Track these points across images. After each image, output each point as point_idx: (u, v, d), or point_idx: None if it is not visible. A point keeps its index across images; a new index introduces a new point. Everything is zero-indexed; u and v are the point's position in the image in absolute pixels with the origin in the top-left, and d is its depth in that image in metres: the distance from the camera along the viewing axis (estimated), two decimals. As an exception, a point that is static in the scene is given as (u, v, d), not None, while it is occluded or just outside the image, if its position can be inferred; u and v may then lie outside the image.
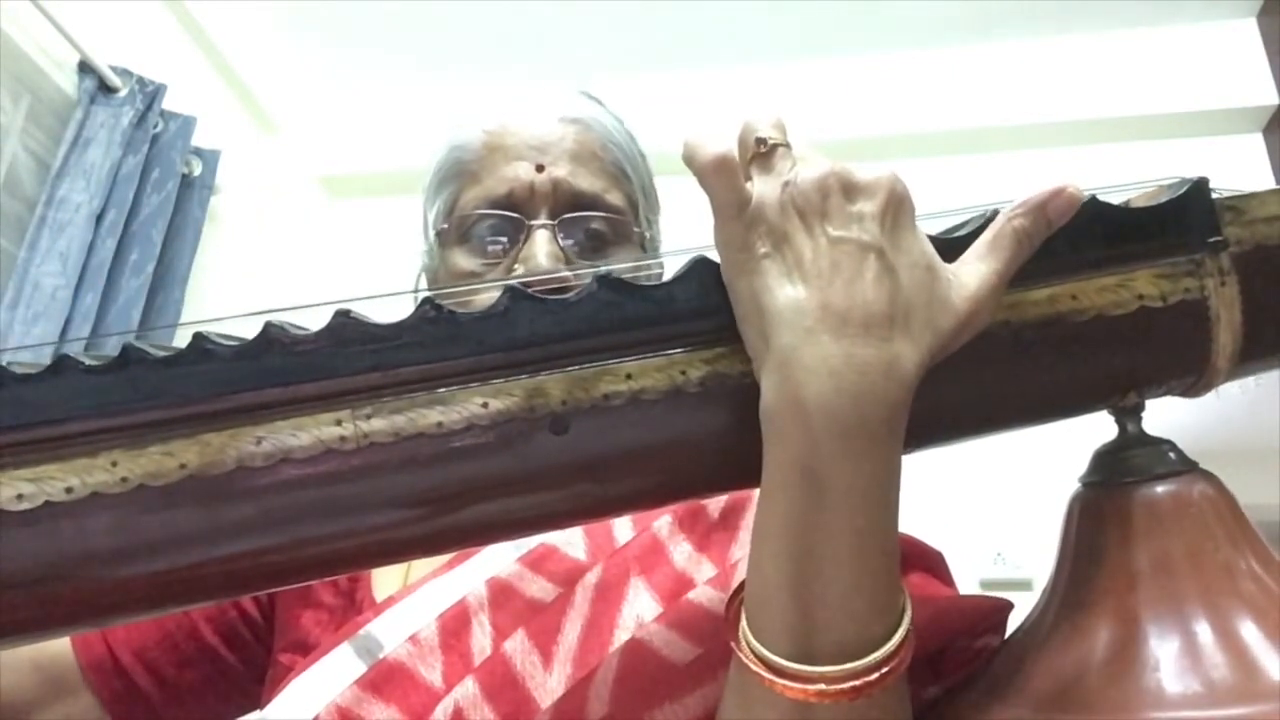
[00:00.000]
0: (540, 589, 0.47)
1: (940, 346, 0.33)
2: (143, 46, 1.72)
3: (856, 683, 0.31)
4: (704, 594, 0.43)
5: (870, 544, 0.31)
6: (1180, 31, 1.94)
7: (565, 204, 0.55)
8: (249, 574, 0.34)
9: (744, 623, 0.33)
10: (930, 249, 0.34)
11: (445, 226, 0.58)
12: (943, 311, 0.32)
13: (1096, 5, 1.91)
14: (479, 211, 0.56)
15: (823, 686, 0.31)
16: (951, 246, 0.36)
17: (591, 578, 0.46)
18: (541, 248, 0.54)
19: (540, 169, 0.55)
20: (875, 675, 0.31)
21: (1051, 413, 0.38)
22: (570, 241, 0.55)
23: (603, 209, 0.56)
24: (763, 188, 0.33)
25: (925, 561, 0.45)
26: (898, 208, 0.33)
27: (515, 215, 0.55)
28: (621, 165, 0.58)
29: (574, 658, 0.43)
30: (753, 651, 0.32)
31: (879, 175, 0.33)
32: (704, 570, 0.47)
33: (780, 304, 0.32)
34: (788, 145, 0.34)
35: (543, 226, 0.54)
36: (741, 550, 0.47)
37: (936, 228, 0.37)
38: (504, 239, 0.56)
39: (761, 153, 0.34)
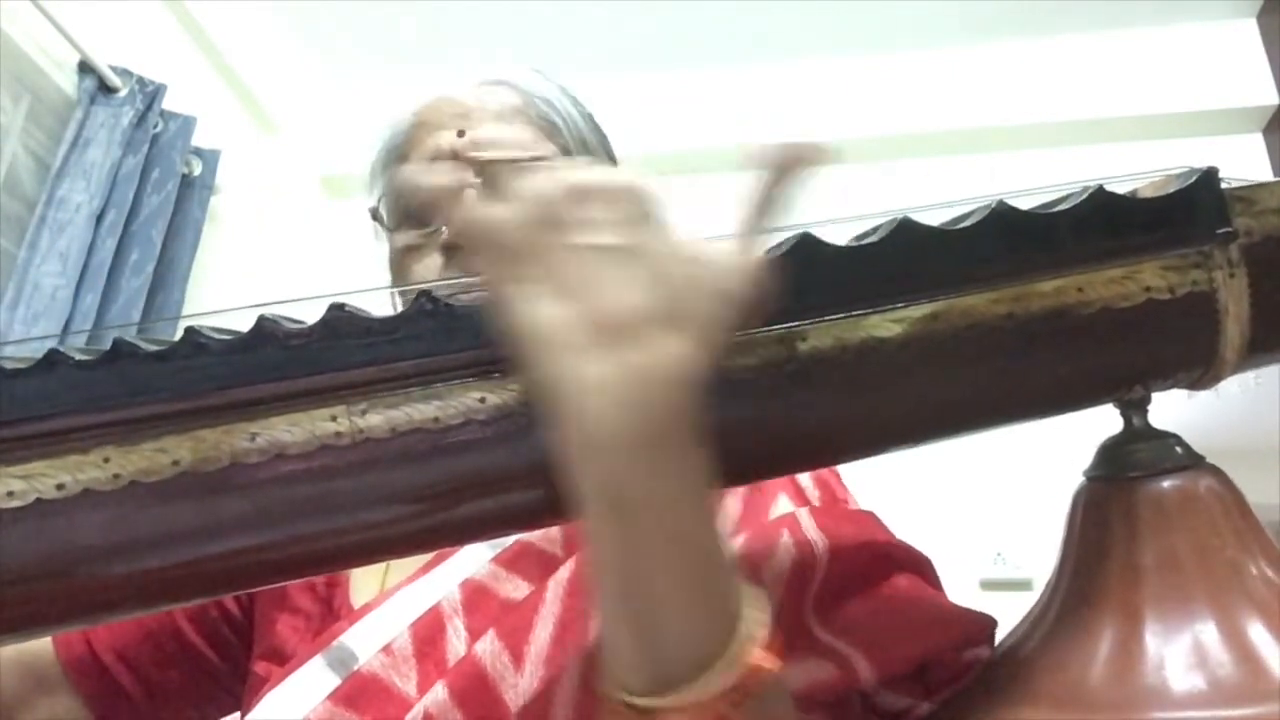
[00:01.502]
0: (515, 588, 0.46)
1: (719, 334, 0.32)
2: (143, 46, 1.71)
3: (721, 695, 0.30)
4: None
5: (694, 553, 0.30)
6: (1180, 31, 1.94)
7: (490, 161, 0.54)
8: (243, 571, 0.33)
9: (606, 673, 0.32)
10: (696, 243, 0.32)
11: (381, 208, 0.58)
12: (715, 300, 0.31)
13: (1096, 5, 1.91)
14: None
15: (692, 712, 0.30)
16: (955, 240, 0.36)
17: (563, 573, 0.45)
18: (466, 207, 0.53)
19: (461, 134, 0.55)
20: (738, 680, 0.30)
21: (1057, 406, 0.37)
22: (490, 194, 0.55)
23: (528, 158, 0.55)
24: (517, 210, 0.32)
25: (913, 565, 0.45)
26: (645, 205, 0.32)
27: None
28: (550, 118, 0.57)
29: (546, 657, 0.42)
30: (619, 701, 0.31)
31: (618, 176, 0.32)
32: None
33: (546, 325, 0.30)
34: (539, 159, 0.33)
35: (468, 186, 0.54)
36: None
37: (937, 220, 0.36)
38: (433, 207, 0.55)
39: (512, 170, 0.33)
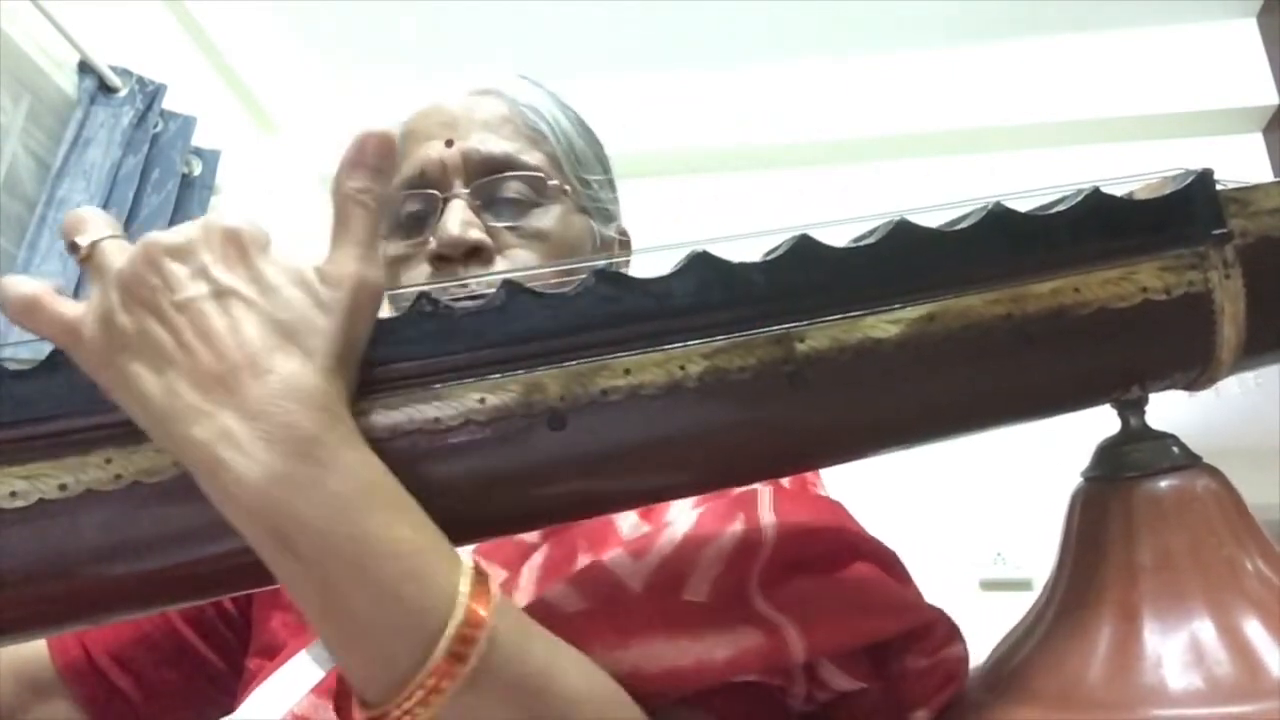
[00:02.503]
0: (493, 575, 0.46)
1: (341, 341, 0.32)
2: (143, 46, 1.71)
3: (436, 674, 0.30)
4: (614, 554, 0.42)
5: (370, 557, 0.30)
6: (1180, 31, 1.94)
7: (478, 172, 0.55)
8: (244, 571, 0.33)
9: (354, 695, 0.32)
10: (292, 262, 0.33)
11: None
12: (325, 310, 0.32)
13: (1096, 5, 1.91)
14: (398, 194, 0.56)
15: (420, 695, 0.30)
16: (952, 241, 0.36)
17: (538, 558, 0.46)
18: (453, 216, 0.53)
19: (449, 144, 0.56)
20: (451, 657, 0.30)
21: (1054, 407, 0.38)
22: (482, 205, 0.55)
23: (517, 168, 0.56)
24: (96, 295, 0.32)
25: (876, 556, 0.44)
26: (234, 243, 0.32)
27: (429, 191, 0.55)
28: (537, 126, 0.58)
29: None
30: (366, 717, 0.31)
31: (196, 224, 0.33)
32: (642, 533, 0.46)
33: (157, 399, 0.30)
34: (112, 237, 0.33)
35: (455, 196, 0.54)
36: (675, 512, 0.47)
37: (935, 221, 0.37)
38: (421, 218, 0.56)
39: (82, 259, 0.33)
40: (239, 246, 0.32)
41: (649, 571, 0.41)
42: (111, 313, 0.31)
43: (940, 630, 0.42)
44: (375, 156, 0.35)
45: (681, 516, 0.44)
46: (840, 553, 0.43)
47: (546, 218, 0.56)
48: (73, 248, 0.33)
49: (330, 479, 0.30)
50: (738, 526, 0.43)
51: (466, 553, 0.47)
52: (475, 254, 0.53)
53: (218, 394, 0.30)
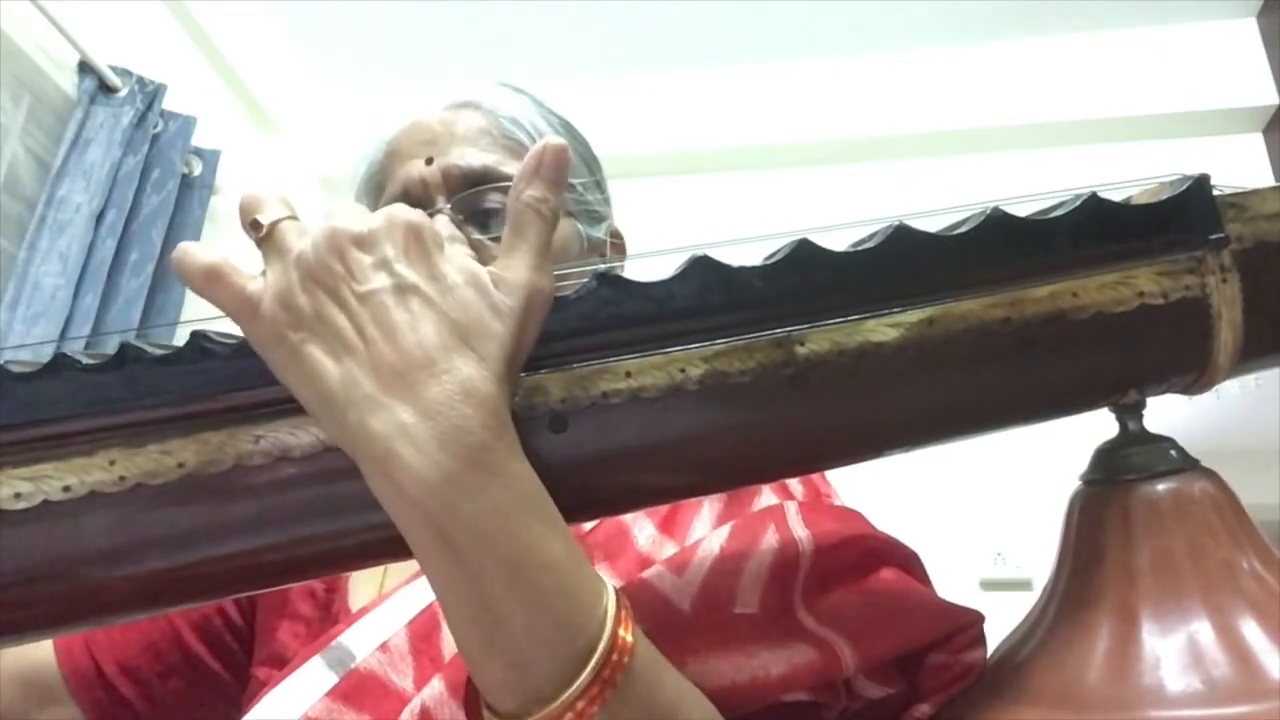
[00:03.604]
0: None
1: (512, 346, 0.32)
2: (143, 46, 1.72)
3: (586, 698, 0.30)
4: (655, 571, 0.42)
5: (528, 567, 0.30)
6: (1180, 31, 1.94)
7: (459, 186, 0.56)
8: (248, 573, 0.33)
9: (482, 702, 0.32)
10: (467, 262, 0.33)
11: None
12: (498, 316, 0.32)
13: (1096, 5, 1.91)
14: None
15: (570, 717, 0.30)
16: (951, 245, 0.36)
17: None
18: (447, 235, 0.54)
19: (429, 161, 0.56)
20: (600, 681, 0.30)
21: (1052, 410, 0.38)
22: (465, 218, 0.55)
23: (496, 179, 0.56)
24: (274, 274, 0.32)
25: (899, 559, 0.45)
26: (415, 238, 0.32)
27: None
28: (514, 135, 0.58)
29: None
30: None
31: (382, 215, 0.33)
32: (666, 551, 0.46)
33: (333, 385, 0.30)
34: (290, 218, 0.33)
35: (438, 213, 0.55)
36: (703, 528, 0.47)
37: (934, 225, 0.37)
38: None
39: (262, 237, 0.33)
40: (420, 242, 0.32)
41: (695, 589, 0.41)
42: (291, 293, 0.31)
43: (970, 633, 0.43)
44: (552, 167, 0.35)
45: (711, 533, 0.44)
46: (868, 561, 0.44)
47: None
48: (254, 225, 0.33)
49: (496, 486, 0.30)
50: (773, 541, 0.43)
51: None
52: None
53: (396, 388, 0.30)
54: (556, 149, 0.35)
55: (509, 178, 0.56)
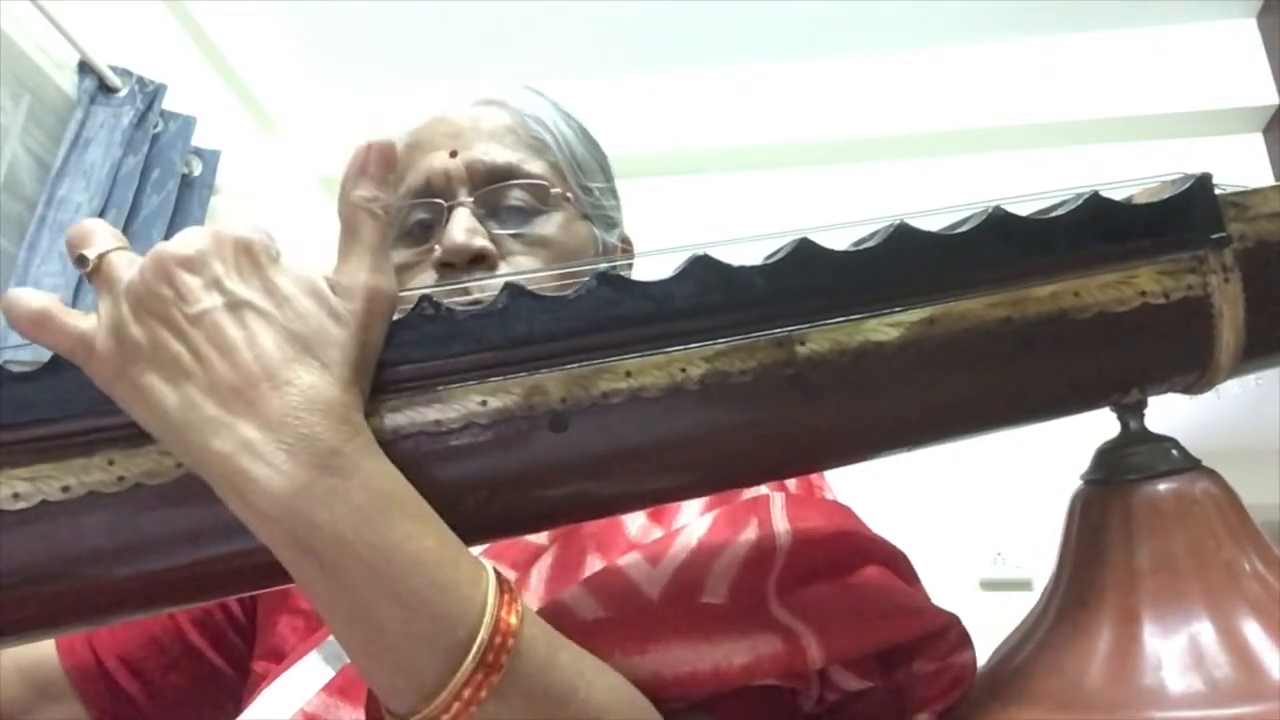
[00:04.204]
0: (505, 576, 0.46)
1: (356, 352, 0.32)
2: (143, 46, 1.72)
3: (471, 685, 0.30)
4: (630, 559, 0.42)
5: (394, 567, 0.30)
6: (1180, 31, 1.94)
7: (482, 181, 0.56)
8: (246, 573, 0.33)
9: (381, 706, 0.32)
10: (304, 272, 0.33)
11: None
12: (339, 321, 0.32)
13: (1096, 5, 1.91)
14: (404, 203, 0.57)
15: (457, 708, 0.30)
16: (952, 245, 0.36)
17: (548, 559, 0.46)
18: (458, 224, 0.54)
19: (454, 154, 0.56)
20: (484, 667, 0.30)
21: (1054, 410, 0.38)
22: (486, 213, 0.56)
23: (520, 177, 0.56)
24: (105, 308, 0.32)
25: (884, 557, 0.45)
26: (246, 253, 0.32)
27: (434, 200, 0.56)
28: (540, 135, 0.59)
29: None
30: None
31: (209, 233, 0.32)
32: (653, 537, 0.46)
33: (173, 412, 0.30)
34: (119, 249, 0.33)
35: (460, 205, 0.55)
36: (686, 516, 0.47)
37: (935, 225, 0.37)
38: (428, 226, 0.56)
39: (90, 271, 0.32)
40: (251, 257, 0.32)
41: (665, 579, 0.41)
42: (123, 325, 0.31)
43: (951, 636, 0.42)
44: (378, 165, 0.34)
45: (694, 521, 0.44)
46: (852, 557, 0.44)
47: (549, 225, 0.56)
48: (80, 261, 0.32)
49: (352, 489, 0.30)
50: (751, 533, 0.43)
51: (477, 553, 0.47)
52: (480, 261, 0.54)
53: (237, 406, 0.30)
54: (381, 145, 0.34)
55: (532, 175, 0.57)
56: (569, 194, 0.58)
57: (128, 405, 0.32)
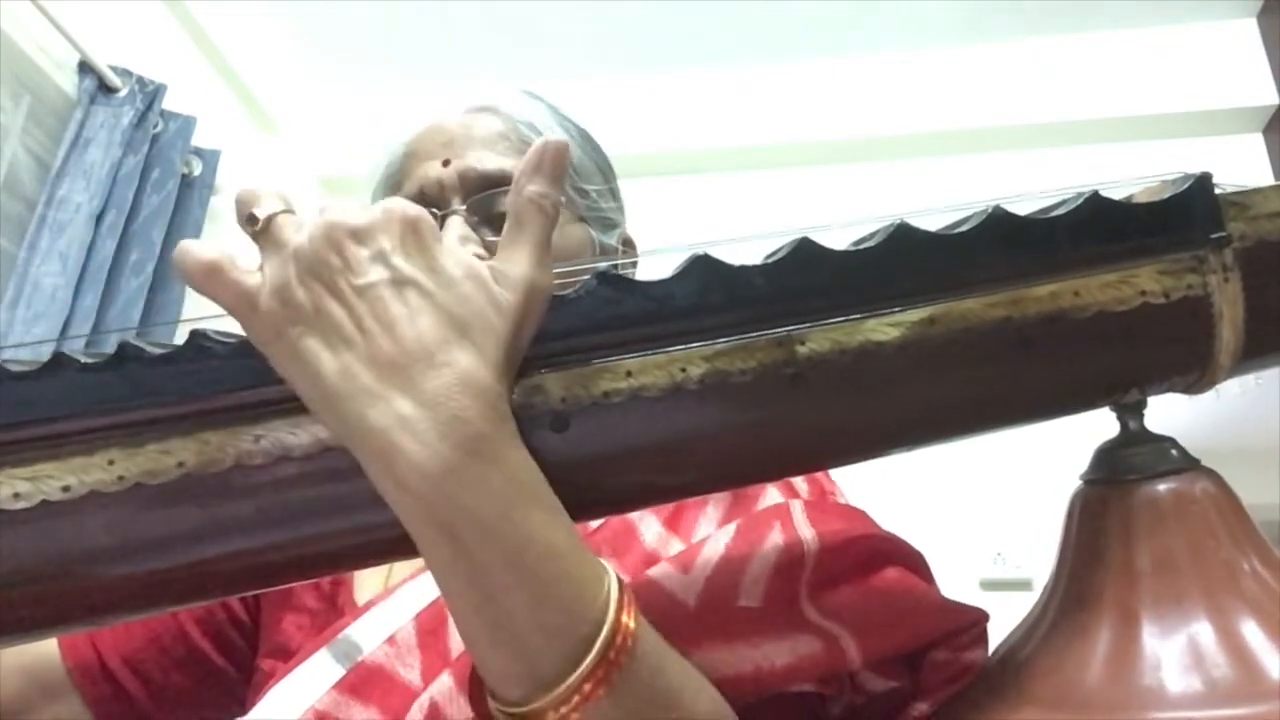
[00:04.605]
0: None
1: (510, 340, 0.32)
2: (143, 46, 1.72)
3: (591, 681, 0.30)
4: (660, 570, 0.43)
5: (530, 555, 0.30)
6: (1180, 31, 1.94)
7: (474, 188, 0.56)
8: (248, 572, 0.33)
9: (487, 693, 0.33)
10: (466, 256, 0.33)
11: None
12: (498, 310, 0.32)
13: (1096, 5, 1.91)
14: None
15: (576, 701, 0.30)
16: (952, 244, 0.36)
17: None
18: (450, 233, 0.54)
19: (447, 163, 0.57)
20: (605, 664, 0.30)
21: (1053, 409, 0.38)
22: (480, 220, 0.56)
23: (511, 182, 0.56)
24: (271, 268, 0.32)
25: (904, 558, 0.45)
26: (414, 231, 0.32)
27: (429, 210, 0.56)
28: (532, 140, 0.58)
29: None
30: (503, 714, 0.32)
31: (380, 208, 0.33)
32: (672, 548, 0.47)
33: (331, 378, 0.30)
34: (287, 212, 0.33)
35: (453, 213, 0.55)
36: (709, 526, 0.47)
37: (935, 224, 0.37)
38: None
39: (258, 231, 0.33)
40: (418, 235, 0.32)
41: (700, 586, 0.41)
42: (289, 287, 0.31)
43: (974, 631, 0.43)
44: (552, 164, 0.35)
45: (716, 532, 0.44)
46: (875, 559, 0.44)
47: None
48: (250, 219, 0.33)
49: (496, 475, 0.30)
50: (778, 539, 0.43)
51: None
52: None
53: (395, 380, 0.30)
54: (558, 146, 0.35)
55: None
56: (561, 197, 0.58)
57: (282, 366, 0.32)
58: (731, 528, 0.44)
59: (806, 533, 0.43)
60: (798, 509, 0.45)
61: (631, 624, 0.32)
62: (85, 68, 1.58)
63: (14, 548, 0.31)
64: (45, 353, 0.33)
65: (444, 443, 0.30)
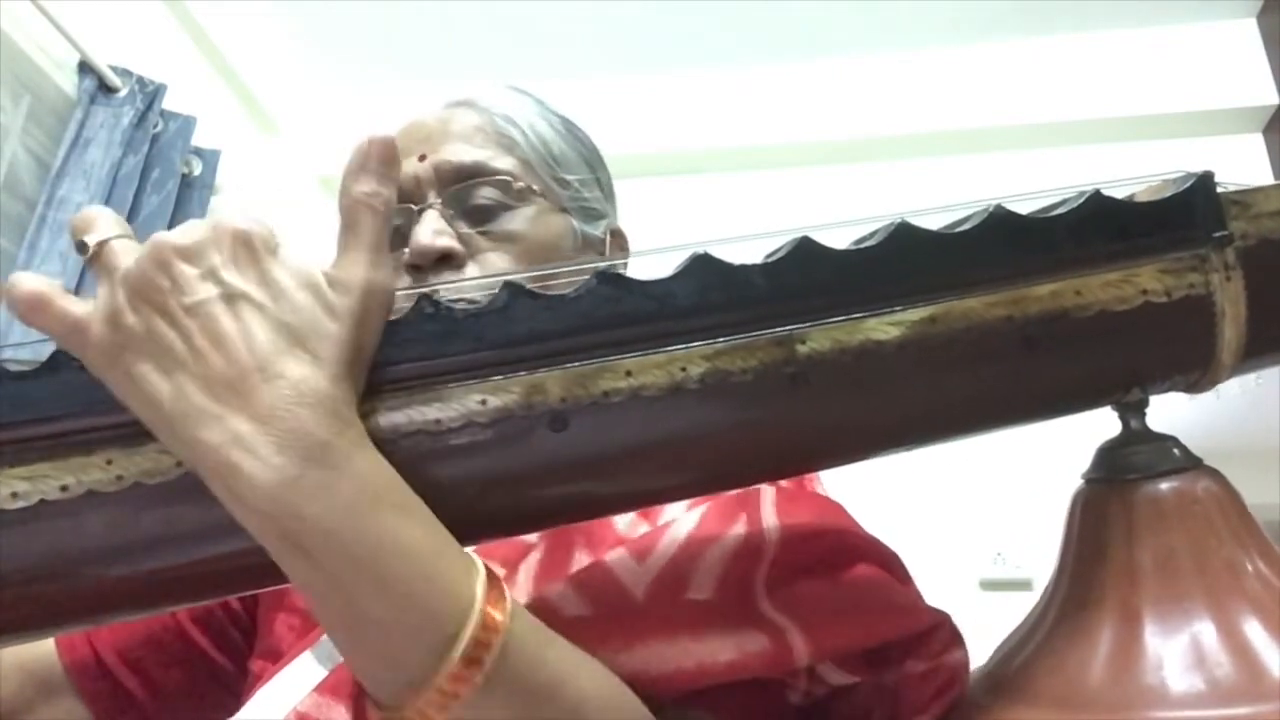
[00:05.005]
0: None
1: (350, 347, 0.32)
2: (143, 46, 1.72)
3: (452, 679, 0.30)
4: (616, 555, 0.42)
5: (382, 558, 0.30)
6: (1180, 31, 1.94)
7: (449, 181, 0.56)
8: (246, 572, 0.33)
9: (368, 698, 0.32)
10: (302, 265, 0.33)
11: None
12: (334, 315, 0.32)
13: (1096, 5, 1.91)
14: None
15: (443, 700, 0.30)
16: (953, 243, 0.36)
17: (535, 556, 0.46)
18: (424, 226, 0.54)
19: (423, 158, 0.57)
20: (470, 662, 0.30)
21: (1055, 408, 0.38)
22: (455, 213, 0.56)
23: (486, 174, 0.56)
24: (103, 295, 0.32)
25: (877, 557, 0.45)
26: (245, 245, 0.32)
27: (406, 205, 0.56)
28: (507, 132, 0.59)
29: None
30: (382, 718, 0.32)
31: (209, 224, 0.32)
32: (639, 531, 0.46)
33: (165, 402, 0.30)
34: (121, 237, 0.33)
35: (428, 207, 0.55)
36: (674, 510, 0.47)
37: (936, 223, 0.37)
38: (404, 232, 0.56)
39: (90, 258, 0.32)
40: (249, 248, 0.32)
41: (651, 576, 0.41)
42: (119, 312, 0.31)
43: (942, 635, 0.42)
44: (380, 160, 0.35)
45: (682, 516, 0.44)
46: (842, 554, 0.44)
47: (516, 220, 0.56)
48: (81, 247, 0.33)
49: (341, 482, 0.30)
50: (740, 528, 0.43)
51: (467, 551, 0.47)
52: (446, 260, 0.54)
53: (228, 398, 0.30)
54: (382, 141, 0.35)
55: (500, 173, 0.57)
56: (536, 186, 0.58)
57: (121, 393, 0.32)
58: (697, 513, 0.44)
59: (771, 522, 0.43)
60: (768, 497, 0.45)
61: (501, 618, 0.31)
62: (85, 68, 1.58)
63: (12, 547, 0.31)
64: (44, 353, 0.33)
65: (281, 455, 0.29)
